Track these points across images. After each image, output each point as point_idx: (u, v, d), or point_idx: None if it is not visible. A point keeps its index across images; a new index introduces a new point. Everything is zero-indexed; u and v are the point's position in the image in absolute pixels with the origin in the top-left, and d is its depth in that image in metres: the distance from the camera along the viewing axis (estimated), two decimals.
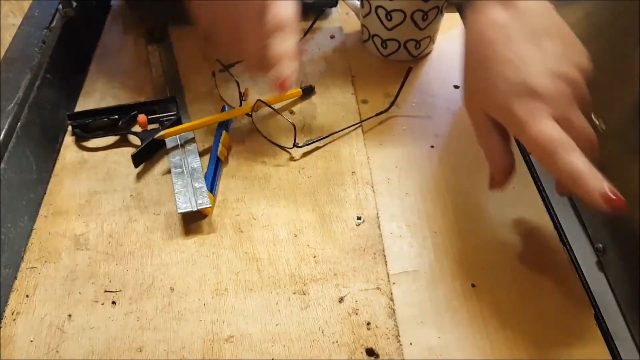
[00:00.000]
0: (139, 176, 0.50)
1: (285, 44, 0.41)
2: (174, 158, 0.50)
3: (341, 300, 0.41)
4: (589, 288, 0.42)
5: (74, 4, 0.62)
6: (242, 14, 0.42)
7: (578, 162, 0.33)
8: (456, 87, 0.58)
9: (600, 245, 0.44)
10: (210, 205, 0.46)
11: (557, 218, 0.47)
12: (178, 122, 0.53)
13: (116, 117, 0.53)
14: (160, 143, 0.51)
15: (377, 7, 0.58)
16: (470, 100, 0.40)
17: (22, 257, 0.44)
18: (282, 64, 0.40)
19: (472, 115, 0.40)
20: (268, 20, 0.40)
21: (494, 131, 0.39)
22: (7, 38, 0.59)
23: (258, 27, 0.41)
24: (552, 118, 0.34)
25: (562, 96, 0.35)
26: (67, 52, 0.59)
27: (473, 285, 0.42)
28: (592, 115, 0.37)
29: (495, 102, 0.37)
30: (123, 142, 0.53)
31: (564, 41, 0.37)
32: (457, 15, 0.66)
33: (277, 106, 0.55)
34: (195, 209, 0.45)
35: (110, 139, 0.53)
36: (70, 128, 0.53)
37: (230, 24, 0.43)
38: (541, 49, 0.36)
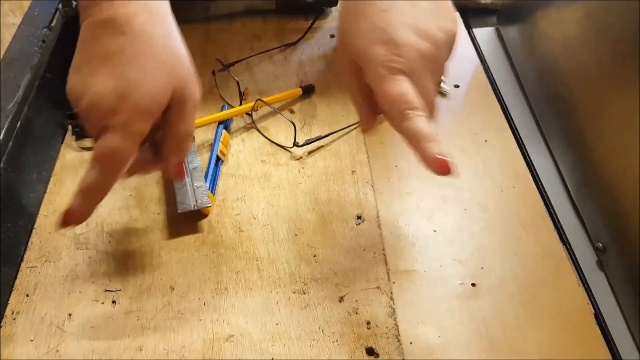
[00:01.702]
0: (139, 175, 0.50)
1: (95, 178, 0.36)
2: None
3: (341, 299, 0.41)
4: (589, 288, 0.42)
5: (74, 3, 0.62)
6: (88, 125, 0.37)
7: (421, 125, 0.35)
8: (456, 86, 0.58)
9: (600, 244, 0.44)
10: (210, 205, 0.46)
11: (557, 217, 0.47)
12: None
13: None
14: None
15: None
16: (340, 43, 0.40)
17: (22, 256, 0.44)
18: (77, 195, 0.36)
19: (340, 58, 0.40)
20: (98, 145, 0.35)
21: (355, 79, 0.39)
22: (7, 37, 0.59)
23: (97, 129, 0.36)
24: (405, 74, 0.35)
25: (420, 55, 0.35)
26: (67, 52, 0.59)
27: (473, 285, 0.42)
28: (443, 78, 0.38)
29: (358, 45, 0.37)
30: None
31: (439, 6, 0.37)
32: (457, 15, 0.66)
33: (277, 105, 0.55)
34: (195, 208, 0.45)
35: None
36: (70, 127, 0.53)
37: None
38: (414, 5, 0.36)
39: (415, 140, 0.35)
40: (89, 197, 0.36)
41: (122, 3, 0.37)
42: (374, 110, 0.39)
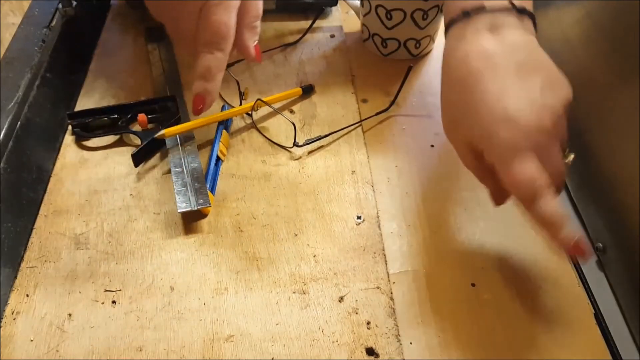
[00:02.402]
0: (139, 175, 0.50)
1: (212, 60, 0.41)
2: (174, 157, 0.50)
3: (341, 299, 0.41)
4: (589, 287, 0.42)
5: (74, 3, 0.62)
6: (182, 13, 0.42)
7: (553, 209, 0.34)
8: None
9: (601, 244, 0.44)
10: (210, 205, 0.46)
11: None
12: (178, 121, 0.53)
13: (116, 116, 0.53)
14: (160, 142, 0.51)
15: (377, 6, 0.58)
16: (451, 128, 0.40)
17: (22, 256, 0.44)
18: (200, 82, 0.42)
19: (455, 143, 0.40)
20: (204, 27, 0.41)
21: (477, 160, 0.38)
22: (7, 37, 0.59)
23: (193, 30, 0.42)
24: (532, 152, 0.34)
25: (544, 130, 0.35)
26: (67, 51, 0.59)
27: (473, 285, 0.42)
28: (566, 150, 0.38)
29: (477, 132, 0.36)
30: (123, 142, 0.53)
31: (548, 75, 0.37)
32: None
33: (277, 105, 0.55)
34: (195, 208, 0.45)
35: (110, 139, 0.53)
36: (70, 127, 0.53)
37: (172, 19, 0.44)
38: (526, 82, 0.36)
39: (547, 226, 0.35)
40: (212, 77, 0.41)
41: None
42: (502, 190, 0.38)
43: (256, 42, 0.44)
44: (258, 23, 0.44)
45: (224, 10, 0.40)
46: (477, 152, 0.37)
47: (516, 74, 0.36)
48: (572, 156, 0.38)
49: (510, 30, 0.38)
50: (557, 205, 0.34)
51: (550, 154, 0.35)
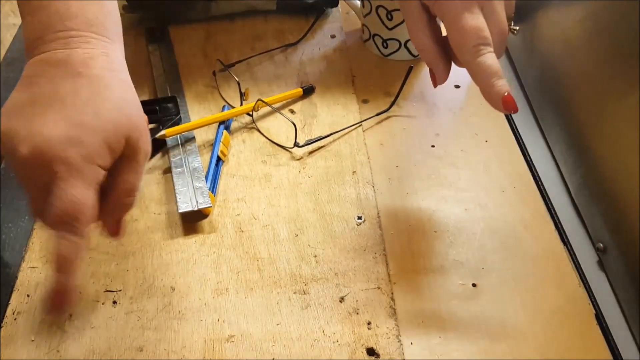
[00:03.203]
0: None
1: (67, 247, 0.31)
2: (174, 157, 0.50)
3: (342, 299, 0.41)
4: (590, 288, 0.42)
5: None
6: (31, 180, 0.32)
7: (492, 62, 0.36)
8: (457, 86, 0.58)
9: (601, 244, 0.44)
10: (211, 205, 0.46)
11: (557, 217, 0.47)
12: (178, 121, 0.53)
13: None
14: (161, 142, 0.51)
15: (377, 7, 0.58)
16: None
17: (23, 256, 0.44)
18: (59, 275, 0.31)
19: (406, 7, 0.41)
20: (54, 203, 0.30)
21: (426, 25, 0.40)
22: (8, 38, 0.59)
23: (41, 192, 0.31)
24: (478, 7, 0.36)
25: None
26: None
27: (474, 285, 0.42)
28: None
29: None
30: None
31: None
32: None
33: (277, 105, 0.55)
34: (196, 208, 0.45)
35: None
36: None
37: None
38: None
39: (484, 77, 0.37)
40: (69, 268, 0.31)
41: (77, 43, 0.34)
42: (446, 58, 0.40)
43: (121, 217, 0.36)
44: (129, 200, 0.34)
45: (79, 185, 0.31)
46: (428, 15, 0.39)
47: None
48: (517, 28, 0.41)
49: None
50: (495, 60, 0.37)
51: (495, 11, 0.37)
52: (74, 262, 0.31)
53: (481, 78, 0.37)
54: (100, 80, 0.34)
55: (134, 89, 0.36)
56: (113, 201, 0.34)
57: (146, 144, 0.35)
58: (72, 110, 0.32)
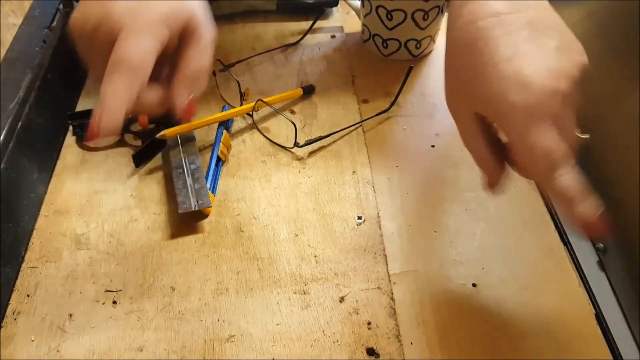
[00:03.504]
0: (140, 176, 0.50)
1: (113, 88, 0.34)
2: (174, 158, 0.50)
3: (342, 299, 0.41)
4: (590, 288, 0.42)
5: (75, 3, 0.62)
6: (96, 46, 0.35)
7: (571, 181, 0.31)
8: None
9: (602, 244, 0.44)
10: (211, 205, 0.46)
11: (557, 217, 0.47)
12: (179, 121, 0.53)
13: None
14: (161, 143, 0.51)
15: (377, 7, 0.58)
16: (455, 96, 0.36)
17: (23, 256, 0.44)
18: (102, 107, 0.34)
19: (457, 114, 0.37)
20: (114, 49, 0.34)
21: (480, 133, 0.35)
22: (8, 38, 0.59)
23: (103, 59, 0.35)
24: (548, 120, 0.31)
25: (559, 95, 0.31)
26: (68, 52, 0.59)
27: (474, 285, 0.42)
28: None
29: (485, 97, 0.33)
30: (124, 142, 0.53)
31: (563, 36, 0.34)
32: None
33: (277, 106, 0.55)
34: (196, 208, 0.45)
35: (111, 139, 0.53)
36: (71, 128, 0.53)
37: (85, 49, 0.37)
38: (539, 42, 0.32)
39: (564, 202, 0.32)
40: (114, 104, 0.34)
41: None
42: (501, 164, 0.36)
43: (191, 98, 0.38)
44: (200, 78, 0.38)
45: (142, 36, 0.34)
46: (482, 123, 0.35)
47: (528, 33, 0.32)
48: (587, 135, 0.35)
49: None
50: (575, 177, 0.31)
51: (565, 122, 0.32)
52: (120, 100, 0.33)
53: (559, 202, 0.32)
54: None
55: None
56: (183, 78, 0.37)
57: (208, 30, 0.38)
58: None
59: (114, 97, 0.34)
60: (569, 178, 0.31)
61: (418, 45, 0.60)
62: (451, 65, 0.36)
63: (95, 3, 0.35)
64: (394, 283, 0.42)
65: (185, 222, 0.46)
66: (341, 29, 0.66)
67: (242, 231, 0.45)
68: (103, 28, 0.34)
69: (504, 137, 0.36)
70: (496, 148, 0.35)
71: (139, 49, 0.34)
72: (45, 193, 0.48)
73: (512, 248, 0.44)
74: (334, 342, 0.39)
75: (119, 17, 0.34)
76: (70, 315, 0.40)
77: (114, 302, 0.41)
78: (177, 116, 0.38)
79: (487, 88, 0.32)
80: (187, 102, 0.37)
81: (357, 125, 0.54)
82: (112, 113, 0.34)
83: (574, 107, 0.33)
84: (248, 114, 0.54)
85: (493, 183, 0.37)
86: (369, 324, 0.40)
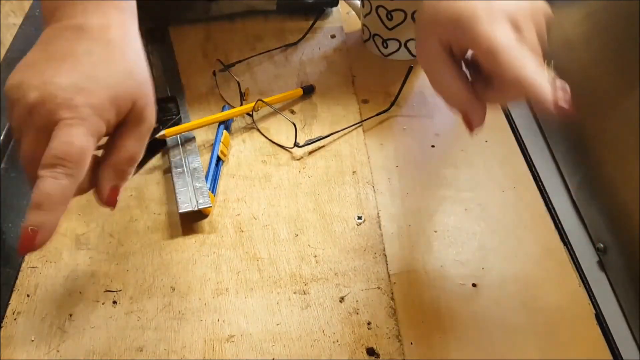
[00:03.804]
0: (140, 176, 0.50)
1: (55, 186, 0.30)
2: (174, 158, 0.50)
3: (342, 299, 0.41)
4: (590, 288, 0.42)
5: None
6: (31, 124, 0.31)
7: (531, 62, 0.32)
8: None
9: (601, 244, 0.44)
10: (211, 205, 0.46)
11: (558, 217, 0.47)
12: (179, 121, 0.53)
13: None
14: (161, 143, 0.51)
15: (377, 7, 0.58)
16: (424, 26, 0.36)
17: (23, 256, 0.44)
18: (34, 211, 0.30)
19: (425, 45, 0.36)
20: (51, 145, 0.30)
21: (448, 63, 0.35)
22: (8, 38, 0.59)
23: (39, 149, 0.31)
24: (510, 24, 0.33)
25: (520, 7, 0.33)
26: None
27: (474, 285, 0.42)
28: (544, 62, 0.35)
29: (455, 9, 0.34)
30: None
31: None
32: None
33: (277, 106, 0.55)
34: (196, 208, 0.45)
35: None
36: None
37: (19, 127, 0.32)
38: None
39: (526, 80, 0.31)
40: (51, 208, 0.30)
41: (95, 13, 0.35)
42: (474, 96, 0.36)
43: (117, 186, 0.34)
44: (128, 169, 0.34)
45: (82, 132, 0.31)
46: (450, 55, 0.35)
47: None
48: (552, 62, 0.36)
49: None
50: (538, 64, 0.32)
51: (528, 33, 0.33)
52: (58, 204, 0.30)
53: (524, 82, 0.32)
54: (115, 45, 0.34)
55: (145, 62, 0.36)
56: (112, 165, 0.34)
57: (151, 115, 0.35)
58: (86, 66, 0.32)
59: (50, 197, 0.30)
60: (530, 61, 0.32)
61: None
62: (425, 3, 0.36)
63: (36, 72, 0.32)
64: (394, 283, 0.42)
65: (185, 222, 0.46)
66: (341, 29, 0.66)
67: (242, 231, 0.45)
68: (43, 108, 0.31)
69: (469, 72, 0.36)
70: (469, 85, 0.36)
71: (79, 146, 0.30)
72: None
73: (512, 248, 0.44)
74: (334, 342, 0.39)
75: (61, 100, 0.31)
76: (70, 315, 0.40)
77: (114, 302, 0.41)
78: (100, 201, 0.34)
79: (456, 5, 0.34)
80: (110, 189, 0.34)
81: (357, 125, 0.54)
82: (51, 222, 0.30)
83: (537, 23, 0.34)
84: (248, 114, 0.54)
85: (475, 120, 0.36)
86: (369, 324, 0.40)
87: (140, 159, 0.35)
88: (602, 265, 0.44)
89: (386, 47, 0.61)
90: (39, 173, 0.30)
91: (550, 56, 0.38)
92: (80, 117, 0.31)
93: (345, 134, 0.53)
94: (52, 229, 0.31)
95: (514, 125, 0.55)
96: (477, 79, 0.36)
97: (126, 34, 0.36)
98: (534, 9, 0.35)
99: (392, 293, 0.42)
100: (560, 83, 0.33)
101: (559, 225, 0.46)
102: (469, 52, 0.36)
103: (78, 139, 0.30)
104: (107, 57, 0.33)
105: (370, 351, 0.38)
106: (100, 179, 0.34)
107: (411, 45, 0.60)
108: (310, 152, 0.52)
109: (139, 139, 0.35)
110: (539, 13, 0.35)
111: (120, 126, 0.34)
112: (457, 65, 0.36)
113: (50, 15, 0.35)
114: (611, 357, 0.38)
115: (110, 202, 0.34)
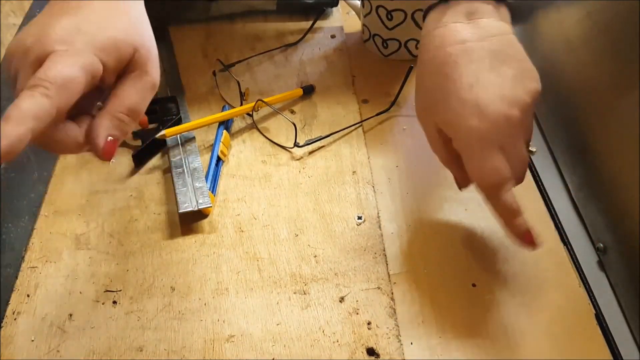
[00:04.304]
0: (140, 176, 0.50)
1: (31, 103, 0.28)
2: (174, 158, 0.50)
3: (342, 299, 0.41)
4: (590, 288, 0.42)
5: None
6: (26, 60, 0.31)
7: (511, 199, 0.36)
8: None
9: (601, 244, 0.44)
10: (211, 205, 0.46)
11: (558, 217, 0.47)
12: (179, 121, 0.53)
13: None
14: (161, 143, 0.51)
15: (377, 7, 0.58)
16: (423, 111, 0.41)
17: (23, 256, 0.44)
18: (2, 122, 0.27)
19: (424, 125, 0.41)
20: (39, 70, 0.29)
21: (443, 144, 0.40)
22: (8, 38, 0.59)
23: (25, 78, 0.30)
24: (498, 145, 0.36)
25: (512, 122, 0.36)
26: None
27: (474, 285, 0.42)
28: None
29: (447, 118, 0.37)
30: (123, 142, 0.53)
31: (520, 66, 0.37)
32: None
33: (277, 106, 0.55)
34: (196, 208, 0.45)
35: None
36: None
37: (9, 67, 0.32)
38: (499, 72, 0.36)
39: (504, 215, 0.37)
40: (20, 122, 0.27)
41: None
42: (463, 169, 0.39)
43: (112, 138, 0.32)
44: (126, 118, 0.32)
45: (71, 61, 0.30)
46: (445, 138, 0.39)
47: (490, 63, 0.37)
48: (534, 149, 0.42)
49: (486, 18, 0.38)
50: (513, 196, 0.37)
51: (516, 146, 0.37)
52: (27, 117, 0.28)
53: (500, 215, 0.37)
54: (119, 5, 0.34)
55: (149, 24, 0.36)
56: (110, 112, 0.32)
57: (154, 70, 0.34)
58: (88, 14, 0.32)
59: (21, 110, 0.28)
60: (509, 195, 0.36)
61: (418, 46, 0.60)
62: (421, 85, 0.40)
63: (35, 27, 0.32)
64: (394, 283, 0.42)
65: (185, 222, 0.46)
66: (341, 29, 0.66)
67: (242, 231, 0.45)
68: (35, 49, 0.30)
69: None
70: (456, 160, 0.39)
71: (64, 73, 0.29)
72: (45, 193, 0.48)
73: (512, 248, 0.44)
74: (334, 342, 0.39)
75: (53, 41, 0.30)
76: (70, 315, 0.40)
77: (114, 302, 0.41)
78: (95, 152, 0.32)
79: (450, 111, 0.37)
80: (108, 141, 0.32)
81: (357, 125, 0.54)
82: (17, 135, 0.27)
83: (526, 130, 0.38)
84: (248, 114, 0.55)
85: (460, 181, 0.43)
86: (369, 324, 0.40)
87: (141, 115, 0.34)
88: (602, 265, 0.44)
89: (386, 47, 0.61)
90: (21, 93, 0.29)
91: (551, 57, 0.39)
92: (74, 50, 0.30)
93: (345, 134, 0.53)
94: (18, 144, 0.27)
95: None
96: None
97: (133, 3, 0.36)
98: (528, 110, 0.37)
99: (392, 293, 0.42)
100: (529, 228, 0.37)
101: (559, 225, 0.46)
102: None
103: (65, 66, 0.29)
104: (111, 11, 0.33)
105: (370, 351, 0.38)
106: (97, 127, 0.32)
107: (411, 45, 0.60)
108: (310, 152, 0.52)
109: (140, 91, 0.33)
110: (530, 109, 0.37)
111: (121, 77, 0.33)
112: (449, 145, 0.39)
113: None
114: (611, 357, 0.38)
115: (106, 154, 0.32)
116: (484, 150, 0.36)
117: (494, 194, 0.37)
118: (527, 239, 0.37)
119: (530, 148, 0.39)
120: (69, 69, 0.30)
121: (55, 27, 0.31)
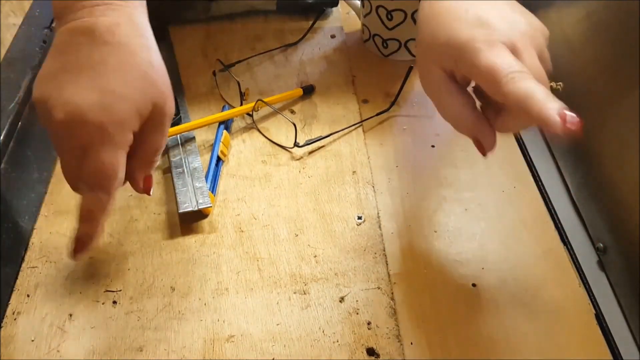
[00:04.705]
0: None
1: (94, 202, 0.35)
2: (174, 158, 0.50)
3: (342, 299, 0.41)
4: (590, 288, 0.42)
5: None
6: (64, 144, 0.35)
7: (531, 84, 0.31)
8: None
9: (601, 244, 0.44)
10: (211, 205, 0.46)
11: (558, 217, 0.47)
12: (178, 121, 0.53)
13: None
14: None
15: (377, 7, 0.58)
16: (425, 54, 0.37)
17: (23, 256, 0.44)
18: (82, 224, 0.36)
19: (428, 74, 0.37)
20: (87, 166, 0.34)
21: (453, 90, 0.36)
22: (8, 38, 0.59)
23: (76, 167, 0.35)
24: (507, 47, 0.32)
25: (519, 31, 0.33)
26: None
27: (474, 285, 0.42)
28: (551, 83, 0.34)
29: (450, 42, 0.34)
30: None
31: (523, 10, 0.36)
32: None
33: (277, 106, 0.55)
34: (196, 208, 0.45)
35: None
36: None
37: (58, 146, 0.36)
38: (494, 4, 0.35)
39: (529, 103, 0.30)
40: (93, 221, 0.35)
41: (103, 11, 0.36)
42: (481, 119, 0.36)
43: (148, 174, 0.39)
44: (155, 159, 0.38)
45: (110, 150, 0.34)
46: (452, 82, 0.36)
47: (491, 3, 0.35)
48: (561, 84, 0.37)
49: None
50: (536, 82, 0.31)
51: (527, 56, 0.33)
52: (98, 216, 0.35)
53: (526, 106, 0.30)
54: (126, 47, 0.35)
55: (158, 53, 0.38)
56: (140, 160, 0.37)
57: (170, 108, 0.38)
58: (102, 79, 0.34)
59: (94, 217, 0.35)
60: (529, 80, 0.31)
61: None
62: (421, 26, 0.37)
63: (57, 87, 0.34)
64: (394, 283, 0.42)
65: (185, 222, 0.46)
66: (341, 29, 0.66)
67: (242, 231, 0.45)
68: (72, 132, 0.34)
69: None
70: (477, 111, 0.36)
71: (113, 163, 0.34)
72: (45, 193, 0.48)
73: (512, 248, 0.44)
74: (334, 342, 0.39)
75: (89, 117, 0.33)
76: (70, 315, 0.40)
77: (114, 302, 0.41)
78: (137, 191, 0.39)
79: (451, 33, 0.34)
80: (145, 178, 0.39)
81: (357, 125, 0.54)
82: (96, 230, 0.36)
83: (537, 46, 0.34)
84: (248, 114, 0.54)
85: (486, 142, 0.36)
86: (369, 324, 0.40)
87: (164, 146, 0.39)
88: (602, 265, 0.44)
89: (386, 47, 0.61)
90: (80, 187, 0.36)
91: (550, 57, 0.39)
92: (108, 135, 0.34)
93: (345, 134, 0.53)
94: (97, 236, 0.36)
95: None
96: (488, 107, 0.36)
97: (136, 30, 0.37)
98: (533, 31, 0.35)
99: (392, 293, 0.42)
100: (564, 107, 0.30)
101: (559, 225, 0.46)
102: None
103: (109, 157, 0.34)
104: (121, 63, 0.35)
105: (370, 351, 0.38)
106: (133, 172, 0.37)
107: (411, 45, 0.60)
108: (310, 152, 0.52)
109: (161, 131, 0.38)
110: (538, 35, 0.35)
111: (143, 125, 0.36)
112: (462, 91, 0.36)
113: (60, 13, 0.37)
114: (611, 357, 0.38)
115: (147, 189, 0.39)
116: (490, 49, 0.32)
117: (509, 84, 0.31)
118: (566, 119, 0.30)
119: (556, 83, 0.34)
120: (112, 158, 0.34)
121: (81, 108, 0.33)
